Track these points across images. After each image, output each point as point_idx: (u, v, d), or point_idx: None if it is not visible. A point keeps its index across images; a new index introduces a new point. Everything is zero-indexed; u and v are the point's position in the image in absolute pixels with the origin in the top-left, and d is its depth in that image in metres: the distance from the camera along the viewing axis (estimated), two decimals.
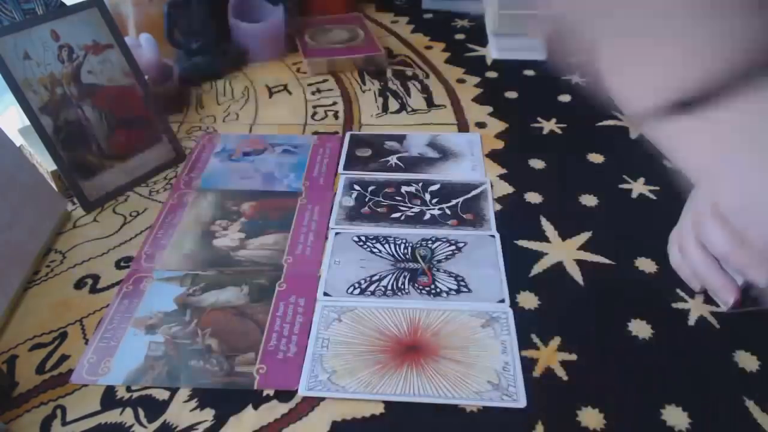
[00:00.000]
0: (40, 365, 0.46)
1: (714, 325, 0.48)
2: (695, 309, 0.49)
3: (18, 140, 0.62)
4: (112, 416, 0.42)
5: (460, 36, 0.96)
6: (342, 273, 0.53)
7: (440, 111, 0.76)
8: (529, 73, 0.85)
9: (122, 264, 0.55)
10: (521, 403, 0.42)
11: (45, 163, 0.60)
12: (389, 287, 0.51)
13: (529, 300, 0.50)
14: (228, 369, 0.45)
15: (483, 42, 0.93)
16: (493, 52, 0.89)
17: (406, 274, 0.53)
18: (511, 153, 0.68)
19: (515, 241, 0.56)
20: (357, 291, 0.51)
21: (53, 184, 0.60)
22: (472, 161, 0.67)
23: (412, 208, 0.60)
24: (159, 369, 0.45)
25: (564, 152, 0.68)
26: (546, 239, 0.56)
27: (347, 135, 0.72)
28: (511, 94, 0.80)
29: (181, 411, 0.42)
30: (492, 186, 0.63)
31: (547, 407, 0.42)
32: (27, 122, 0.57)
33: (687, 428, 0.41)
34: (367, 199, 0.61)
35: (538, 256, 0.55)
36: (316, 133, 0.73)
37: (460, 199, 0.61)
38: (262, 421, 0.42)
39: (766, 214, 0.33)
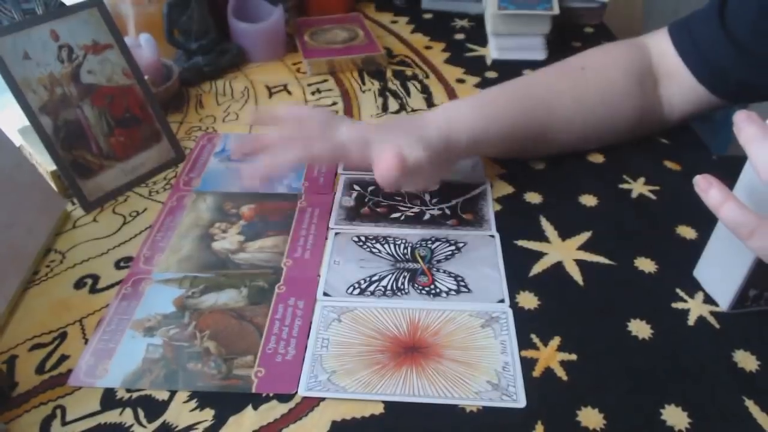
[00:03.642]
0: (39, 365, 0.46)
1: (714, 325, 0.48)
2: (695, 309, 0.49)
3: (18, 140, 0.62)
4: (112, 416, 0.42)
5: (459, 36, 0.96)
6: (342, 273, 0.53)
7: None
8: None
9: (122, 264, 0.55)
10: (521, 403, 0.42)
11: (44, 163, 0.60)
12: (389, 287, 0.51)
13: (528, 300, 0.50)
14: (226, 372, 0.45)
15: (483, 42, 0.93)
16: (493, 52, 0.89)
17: (405, 274, 0.53)
18: None
19: (515, 241, 0.56)
20: (357, 291, 0.51)
21: (53, 184, 0.60)
22: (471, 161, 0.66)
23: (411, 208, 0.60)
24: (157, 372, 0.45)
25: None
26: (546, 239, 0.56)
27: None
28: None
29: (181, 411, 0.42)
30: (492, 186, 0.63)
31: (546, 407, 0.42)
32: (26, 122, 0.57)
33: (687, 428, 0.41)
34: (366, 199, 0.61)
35: (538, 255, 0.54)
36: None
37: (460, 199, 0.61)
38: (261, 421, 0.42)
39: None
